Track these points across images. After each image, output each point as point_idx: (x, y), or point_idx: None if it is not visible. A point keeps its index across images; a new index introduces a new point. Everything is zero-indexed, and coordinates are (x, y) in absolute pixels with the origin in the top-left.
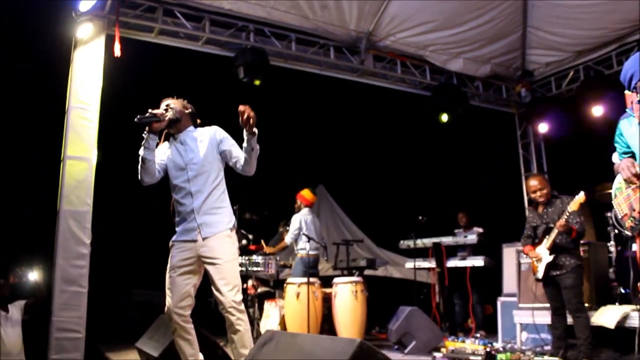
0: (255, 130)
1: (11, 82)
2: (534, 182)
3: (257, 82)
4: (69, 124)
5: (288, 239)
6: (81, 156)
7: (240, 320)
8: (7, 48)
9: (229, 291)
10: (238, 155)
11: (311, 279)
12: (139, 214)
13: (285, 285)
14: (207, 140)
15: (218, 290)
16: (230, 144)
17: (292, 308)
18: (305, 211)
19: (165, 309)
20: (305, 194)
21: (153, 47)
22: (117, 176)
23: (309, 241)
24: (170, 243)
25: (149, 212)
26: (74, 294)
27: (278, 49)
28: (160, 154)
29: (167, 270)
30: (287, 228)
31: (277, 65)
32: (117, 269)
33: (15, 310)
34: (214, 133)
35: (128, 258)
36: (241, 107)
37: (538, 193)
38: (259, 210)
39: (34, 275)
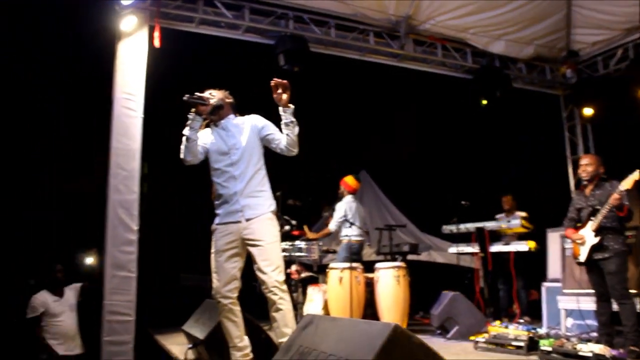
0: (290, 105)
1: (60, 76)
2: (583, 160)
3: (297, 69)
4: (114, 114)
5: (332, 226)
6: (127, 146)
7: (282, 300)
8: (54, 43)
9: (272, 271)
10: (280, 138)
11: (354, 264)
12: (185, 201)
13: (327, 270)
14: (248, 127)
15: (261, 270)
16: (271, 129)
17: (334, 293)
18: (349, 198)
19: (213, 291)
20: (349, 180)
21: (195, 37)
22: (162, 164)
23: (350, 227)
24: (213, 227)
25: (195, 198)
26: (123, 278)
27: (318, 36)
28: (202, 138)
29: (213, 254)
30: (332, 213)
31: (317, 51)
32: (165, 255)
33: (71, 293)
34: (255, 120)
35: (176, 244)
36: (272, 82)
37: (581, 168)
38: (302, 196)
39: (89, 260)
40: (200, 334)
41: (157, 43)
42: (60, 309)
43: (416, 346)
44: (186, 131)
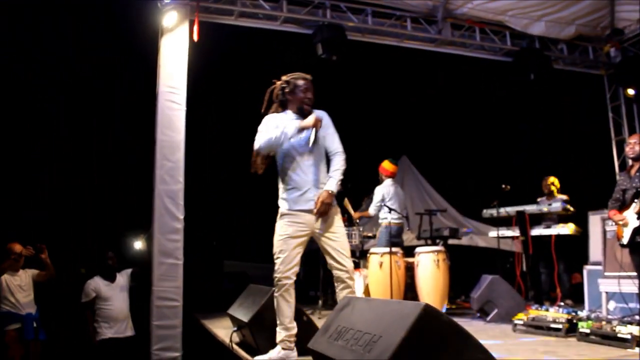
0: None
1: (106, 73)
2: (632, 138)
3: (335, 58)
4: (159, 107)
5: (371, 210)
6: (172, 138)
7: (353, 282)
8: (100, 41)
9: (346, 259)
10: (332, 148)
11: (394, 249)
12: (227, 192)
13: (368, 255)
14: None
15: (336, 259)
16: (329, 132)
17: (375, 277)
18: (388, 182)
19: (275, 273)
20: (386, 165)
21: (234, 30)
22: (205, 155)
23: (390, 212)
24: (283, 211)
25: (235, 188)
26: (170, 265)
27: (355, 24)
28: (279, 124)
29: (281, 238)
30: (370, 202)
31: (355, 39)
32: (210, 243)
33: (122, 278)
34: (324, 116)
35: (220, 232)
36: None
37: (629, 146)
38: (343, 182)
39: (139, 245)
40: (244, 317)
41: (195, 37)
42: (111, 293)
43: (445, 324)
44: (285, 133)
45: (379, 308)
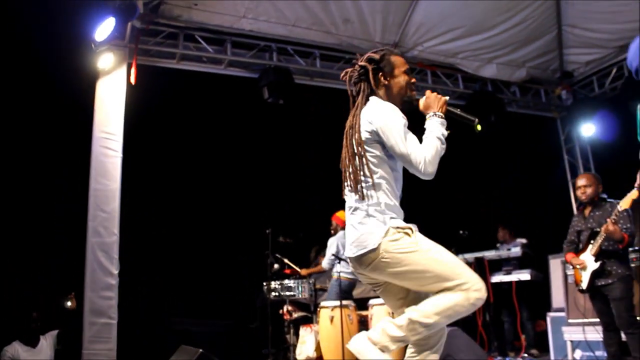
0: None
1: (36, 117)
2: (581, 181)
3: (281, 102)
4: (93, 154)
5: (325, 263)
6: (107, 187)
7: None
8: (30, 83)
9: None
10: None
11: (345, 302)
12: (168, 242)
13: (318, 309)
14: None
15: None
16: None
17: (326, 333)
18: (341, 234)
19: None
20: (341, 215)
21: (177, 73)
22: (144, 204)
23: (340, 262)
24: (411, 225)
25: (177, 238)
26: (103, 325)
27: (302, 67)
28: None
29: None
30: (322, 253)
31: (303, 83)
32: (152, 299)
33: (46, 342)
34: None
35: (159, 287)
36: None
37: (580, 190)
38: (293, 233)
39: (66, 304)
40: None
41: (133, 81)
42: None
43: None
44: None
45: None
